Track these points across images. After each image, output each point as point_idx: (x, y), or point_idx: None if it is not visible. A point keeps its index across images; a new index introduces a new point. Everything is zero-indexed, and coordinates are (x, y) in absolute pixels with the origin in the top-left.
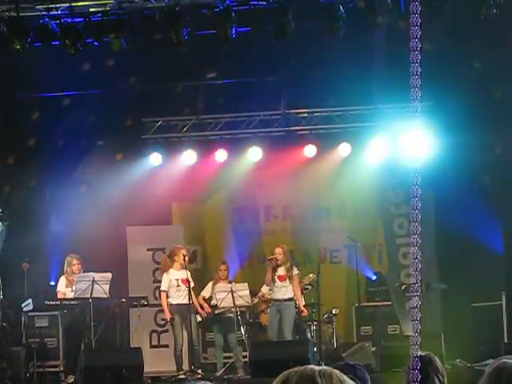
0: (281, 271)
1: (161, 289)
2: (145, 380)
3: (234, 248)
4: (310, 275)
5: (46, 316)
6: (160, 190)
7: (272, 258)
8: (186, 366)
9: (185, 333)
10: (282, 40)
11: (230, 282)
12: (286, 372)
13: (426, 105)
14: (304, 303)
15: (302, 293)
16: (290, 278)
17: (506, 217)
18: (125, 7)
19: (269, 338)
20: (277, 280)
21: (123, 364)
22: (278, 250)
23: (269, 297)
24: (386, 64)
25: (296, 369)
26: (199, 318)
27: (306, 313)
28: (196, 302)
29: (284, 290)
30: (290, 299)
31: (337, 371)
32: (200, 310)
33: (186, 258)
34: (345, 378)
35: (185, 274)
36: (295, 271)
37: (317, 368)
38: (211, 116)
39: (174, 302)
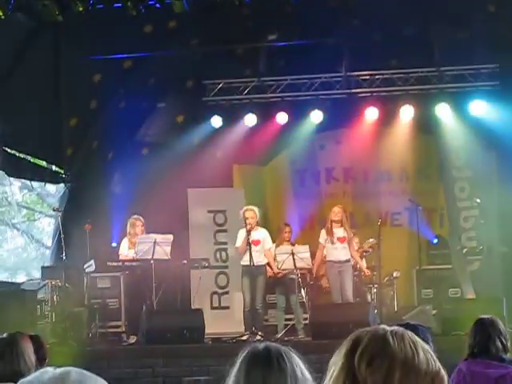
0: (340, 233)
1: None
2: (206, 341)
3: (294, 210)
4: (370, 240)
5: (107, 277)
6: (221, 153)
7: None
8: (242, 329)
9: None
10: (344, 2)
11: (293, 244)
12: (356, 331)
13: (489, 67)
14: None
15: (362, 256)
16: (351, 240)
17: None
18: None
19: (333, 299)
20: (336, 242)
21: (184, 325)
22: (337, 209)
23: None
24: (450, 25)
25: (367, 329)
26: None
27: (368, 273)
28: (271, 263)
29: (344, 252)
30: (349, 260)
31: (409, 332)
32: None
33: (247, 220)
34: (417, 338)
35: (250, 236)
36: (351, 234)
37: (388, 328)
38: (272, 78)
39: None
